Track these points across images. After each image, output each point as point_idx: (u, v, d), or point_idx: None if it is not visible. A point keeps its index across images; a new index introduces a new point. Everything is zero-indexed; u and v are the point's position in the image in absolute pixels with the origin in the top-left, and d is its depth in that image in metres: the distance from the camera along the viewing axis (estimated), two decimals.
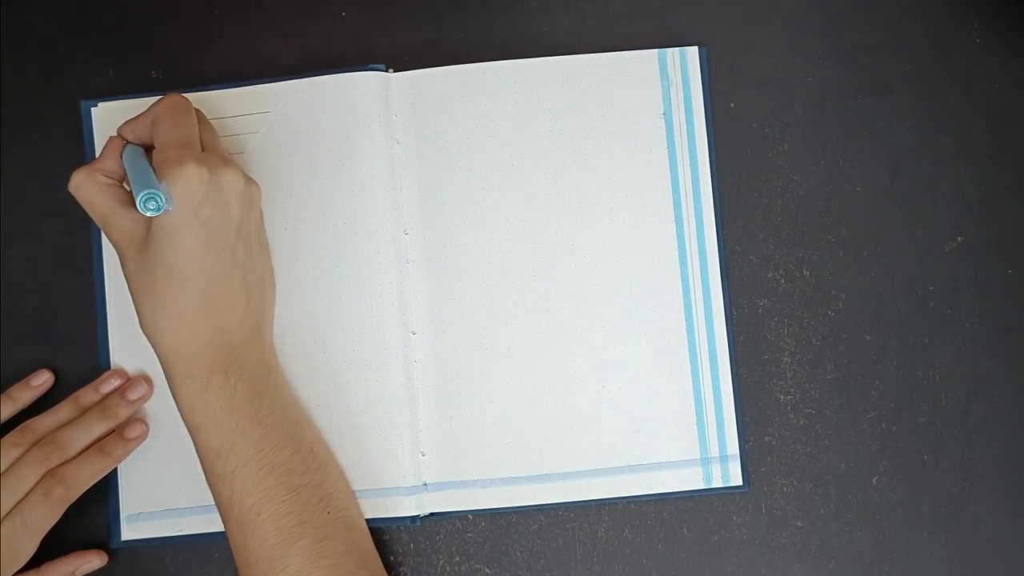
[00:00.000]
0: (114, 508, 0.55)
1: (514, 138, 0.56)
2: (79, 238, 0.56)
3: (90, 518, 0.55)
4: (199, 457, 0.50)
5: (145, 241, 0.49)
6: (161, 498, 0.55)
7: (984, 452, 0.55)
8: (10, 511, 0.50)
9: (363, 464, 0.54)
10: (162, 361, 0.50)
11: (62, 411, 0.54)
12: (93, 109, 0.56)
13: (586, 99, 0.56)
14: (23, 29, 0.58)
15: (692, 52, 0.57)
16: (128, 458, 0.55)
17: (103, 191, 0.50)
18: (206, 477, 0.50)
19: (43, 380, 0.55)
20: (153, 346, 0.50)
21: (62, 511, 0.51)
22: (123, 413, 0.54)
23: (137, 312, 0.50)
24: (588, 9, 0.58)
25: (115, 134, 0.52)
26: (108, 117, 0.56)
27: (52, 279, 0.56)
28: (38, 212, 0.57)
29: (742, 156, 0.57)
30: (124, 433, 0.54)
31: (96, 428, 0.53)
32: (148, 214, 0.46)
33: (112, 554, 0.55)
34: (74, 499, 0.52)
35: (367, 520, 0.53)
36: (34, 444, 0.52)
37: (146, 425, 0.55)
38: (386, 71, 0.56)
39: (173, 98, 0.50)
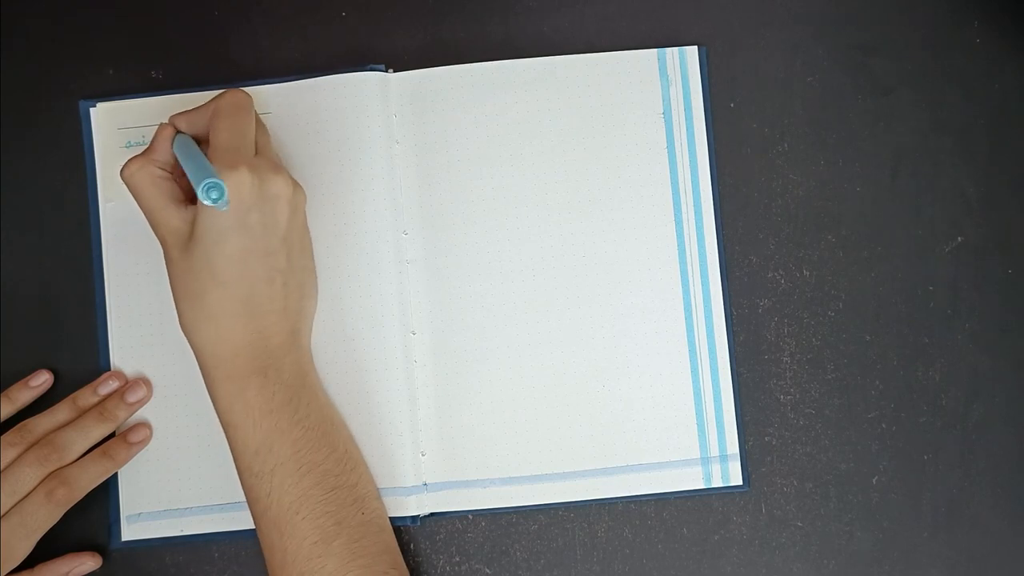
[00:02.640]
0: (114, 508, 0.55)
1: (514, 138, 0.56)
2: (79, 238, 0.56)
3: (90, 518, 0.55)
4: (235, 455, 0.50)
5: (190, 241, 0.49)
6: (161, 498, 0.55)
7: (984, 452, 0.55)
8: (8, 511, 0.50)
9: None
10: (200, 360, 0.50)
11: (60, 412, 0.54)
12: (92, 109, 0.56)
13: (585, 99, 0.56)
14: (23, 29, 0.58)
15: (692, 52, 0.57)
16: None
17: (156, 184, 0.50)
18: (241, 476, 0.50)
19: (42, 381, 0.55)
20: (191, 345, 0.50)
21: (62, 513, 0.51)
22: (122, 415, 0.54)
23: (177, 310, 0.50)
24: (588, 9, 0.58)
25: (165, 122, 0.52)
26: (107, 117, 0.56)
27: (52, 279, 0.56)
28: (38, 212, 0.57)
29: (742, 156, 0.57)
30: (128, 437, 0.54)
31: (94, 430, 0.53)
32: (208, 203, 0.46)
33: (111, 554, 0.55)
34: (76, 501, 0.52)
35: None
36: (32, 444, 0.52)
37: (150, 429, 0.55)
38: (385, 71, 0.56)
39: (236, 95, 0.50)
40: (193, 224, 0.49)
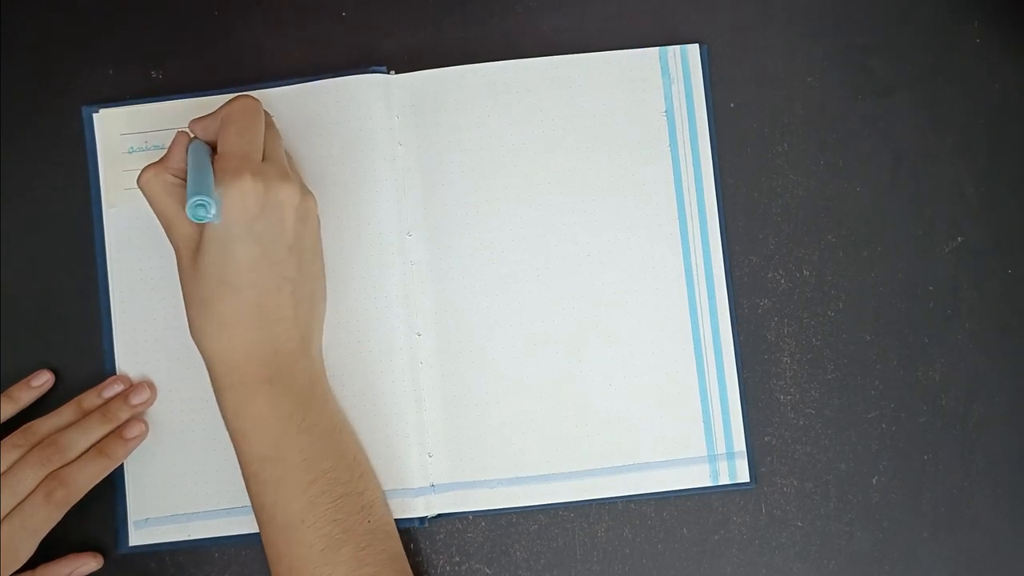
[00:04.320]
0: (121, 513, 0.55)
1: (516, 138, 0.56)
2: (79, 238, 0.56)
3: (97, 523, 0.55)
4: (241, 463, 0.50)
5: (198, 248, 0.49)
6: (169, 503, 0.55)
7: (984, 452, 0.55)
8: (10, 512, 0.50)
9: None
10: (209, 367, 0.50)
11: (64, 414, 0.53)
12: (95, 116, 0.56)
13: (588, 98, 0.56)
14: (23, 29, 0.58)
15: (693, 49, 0.57)
16: (136, 462, 0.55)
17: (170, 191, 0.50)
18: (247, 483, 0.50)
19: (43, 380, 0.55)
20: (201, 352, 0.50)
21: (63, 513, 0.51)
22: (125, 418, 0.54)
23: (187, 316, 0.50)
24: (588, 8, 0.58)
25: (173, 127, 0.52)
26: (109, 123, 0.56)
27: (52, 279, 0.56)
28: (38, 212, 0.57)
29: (742, 156, 0.57)
30: (123, 433, 0.54)
31: (97, 431, 0.53)
32: (194, 220, 0.46)
33: (119, 559, 0.55)
34: (75, 501, 0.51)
35: None
36: (35, 446, 0.52)
37: (145, 424, 0.54)
38: (387, 73, 0.56)
39: (245, 101, 0.50)
40: (200, 231, 0.49)
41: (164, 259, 0.55)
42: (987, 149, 0.57)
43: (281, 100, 0.56)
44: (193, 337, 0.50)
